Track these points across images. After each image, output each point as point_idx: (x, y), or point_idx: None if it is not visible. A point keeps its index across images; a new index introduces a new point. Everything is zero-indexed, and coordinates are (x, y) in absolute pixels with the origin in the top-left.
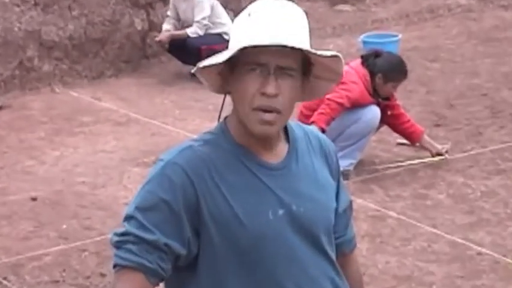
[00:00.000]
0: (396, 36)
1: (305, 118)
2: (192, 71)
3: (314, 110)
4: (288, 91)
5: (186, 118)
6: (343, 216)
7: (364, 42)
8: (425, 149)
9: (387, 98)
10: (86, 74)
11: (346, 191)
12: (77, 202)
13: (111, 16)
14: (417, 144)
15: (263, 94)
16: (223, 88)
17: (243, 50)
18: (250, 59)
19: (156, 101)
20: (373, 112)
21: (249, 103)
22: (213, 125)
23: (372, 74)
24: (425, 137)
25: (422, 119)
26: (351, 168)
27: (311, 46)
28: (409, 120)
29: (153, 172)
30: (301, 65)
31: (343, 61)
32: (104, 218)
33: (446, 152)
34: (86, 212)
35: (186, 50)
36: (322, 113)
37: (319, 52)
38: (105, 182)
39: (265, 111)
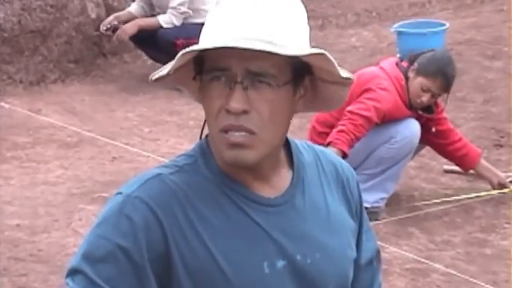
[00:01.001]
0: (443, 25)
1: (318, 137)
2: (150, 79)
3: (332, 126)
4: (265, 105)
5: (158, 138)
6: (368, 269)
7: (399, 34)
8: (483, 178)
9: (430, 109)
10: (21, 79)
11: (372, 235)
12: (9, 253)
13: None
14: (472, 171)
15: (228, 111)
16: None
17: (206, 52)
18: (212, 63)
19: (117, 115)
20: (411, 128)
21: (214, 123)
22: None
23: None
24: (483, 162)
25: (479, 137)
26: (382, 204)
27: (311, 42)
28: (460, 139)
29: (107, 210)
30: (290, 69)
31: (330, 58)
32: (45, 275)
33: None
34: (22, 267)
35: (158, 45)
36: (342, 131)
37: (289, 52)
38: (48, 225)
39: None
